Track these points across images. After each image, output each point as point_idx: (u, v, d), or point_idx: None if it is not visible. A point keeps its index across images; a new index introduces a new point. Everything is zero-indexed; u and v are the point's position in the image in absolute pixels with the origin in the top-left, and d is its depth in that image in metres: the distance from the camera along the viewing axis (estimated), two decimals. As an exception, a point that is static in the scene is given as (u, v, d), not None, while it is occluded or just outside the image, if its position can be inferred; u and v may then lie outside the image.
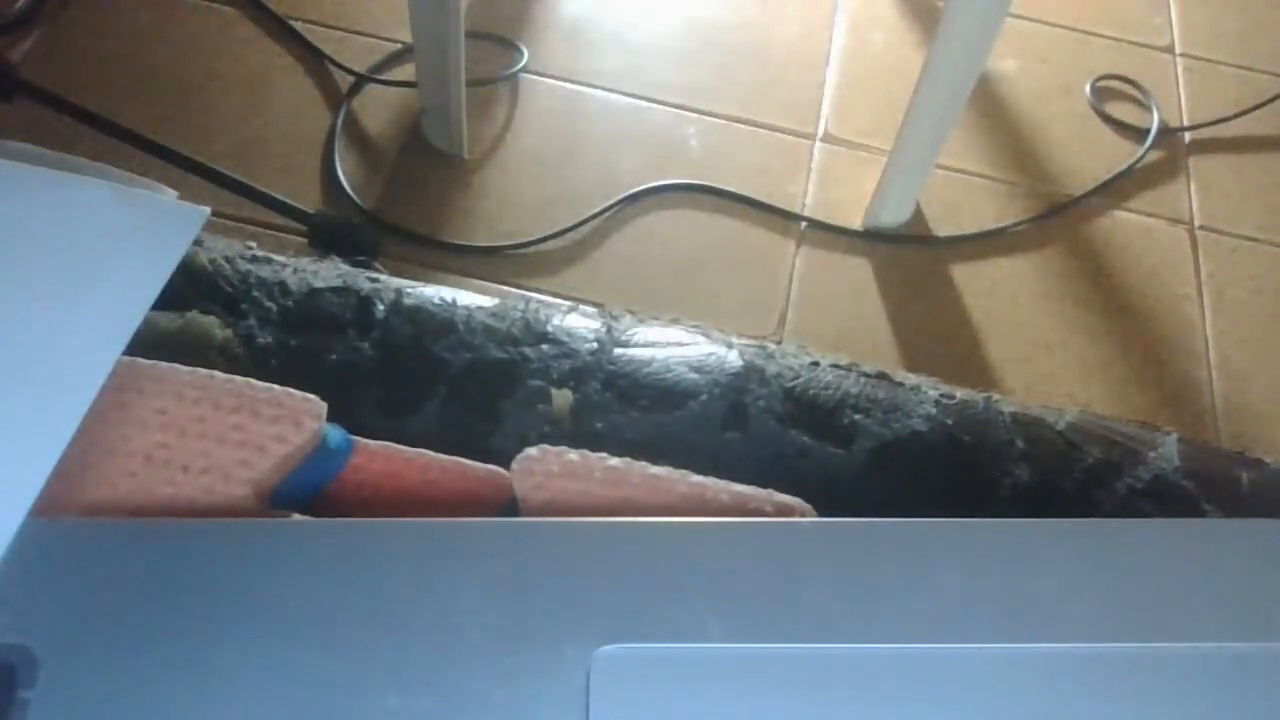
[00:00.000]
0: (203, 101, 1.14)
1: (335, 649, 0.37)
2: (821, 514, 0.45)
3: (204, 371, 0.47)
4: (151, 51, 1.18)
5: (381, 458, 0.47)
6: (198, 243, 0.56)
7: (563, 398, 0.52)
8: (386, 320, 0.54)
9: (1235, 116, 1.28)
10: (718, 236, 1.11)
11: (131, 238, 0.47)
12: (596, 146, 1.16)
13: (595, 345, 0.54)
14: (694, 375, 0.53)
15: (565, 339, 0.54)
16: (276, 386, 0.46)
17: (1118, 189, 1.21)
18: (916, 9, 1.37)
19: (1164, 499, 0.51)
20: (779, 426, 0.52)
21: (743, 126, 1.21)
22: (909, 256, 1.12)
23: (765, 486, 0.45)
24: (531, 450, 0.45)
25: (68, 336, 0.43)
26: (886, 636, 0.38)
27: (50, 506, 0.40)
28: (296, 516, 0.43)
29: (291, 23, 1.22)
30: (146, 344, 0.49)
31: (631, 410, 0.52)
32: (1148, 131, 1.25)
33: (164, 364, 0.47)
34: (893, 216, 1.13)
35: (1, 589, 0.37)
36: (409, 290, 0.56)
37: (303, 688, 0.36)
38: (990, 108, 1.28)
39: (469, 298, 0.56)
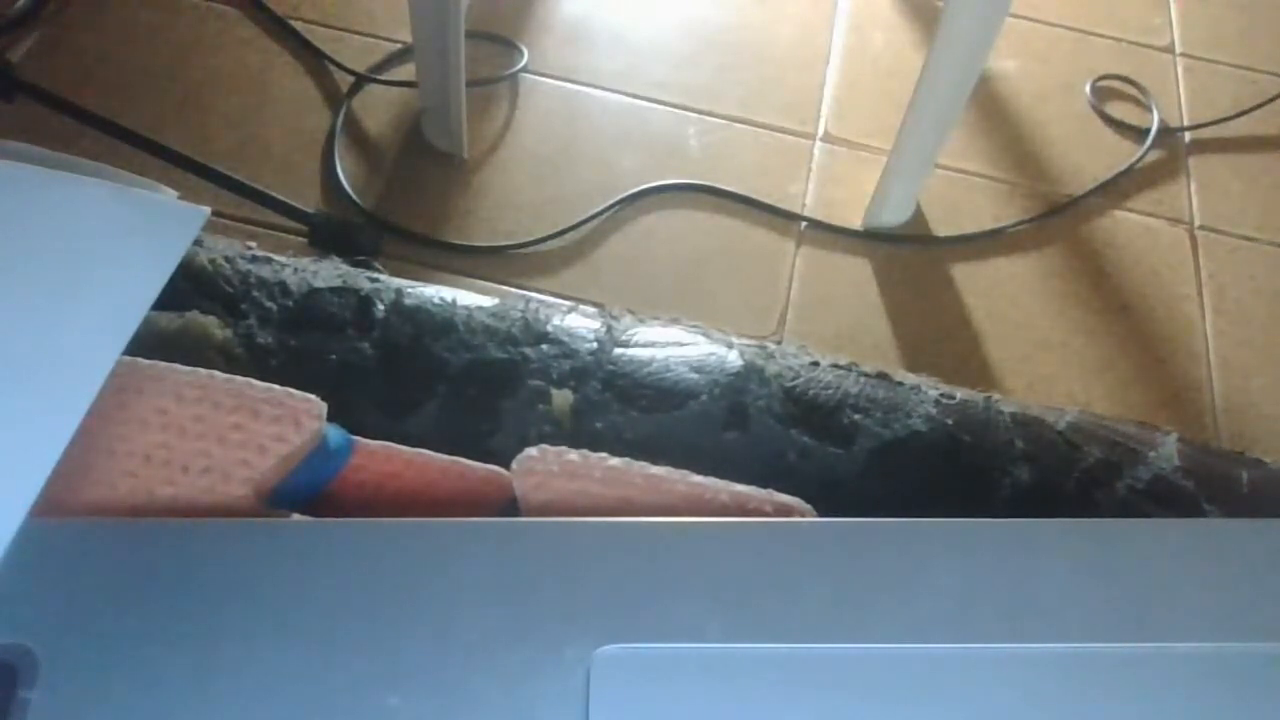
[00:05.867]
0: (203, 101, 1.14)
1: (335, 649, 0.37)
2: (821, 514, 0.45)
3: (204, 371, 0.47)
4: (151, 51, 1.18)
5: (381, 458, 0.47)
6: (198, 243, 0.56)
7: (563, 398, 0.52)
8: (386, 320, 0.54)
9: (1235, 116, 1.28)
10: (718, 236, 1.11)
11: (131, 238, 0.47)
12: (596, 146, 1.16)
13: (595, 345, 0.54)
14: (694, 375, 0.53)
15: (565, 339, 0.54)
16: (276, 386, 0.46)
17: (1118, 189, 1.21)
18: (916, 9, 1.37)
19: (1164, 499, 0.51)
20: (779, 426, 0.52)
21: (743, 126, 1.21)
22: (909, 256, 1.12)
23: (765, 486, 0.45)
24: (531, 450, 0.45)
25: (68, 336, 0.43)
26: (886, 636, 0.38)
27: (50, 506, 0.40)
28: (296, 516, 0.43)
29: (291, 23, 1.22)
30: (146, 344, 0.49)
31: (631, 410, 0.52)
32: (1148, 131, 1.25)
33: (164, 364, 0.47)
34: (893, 216, 1.13)
35: (1, 589, 0.37)
36: (409, 290, 0.56)
37: (303, 687, 0.36)
38: (990, 108, 1.27)
39: (469, 298, 0.56)
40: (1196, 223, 1.19)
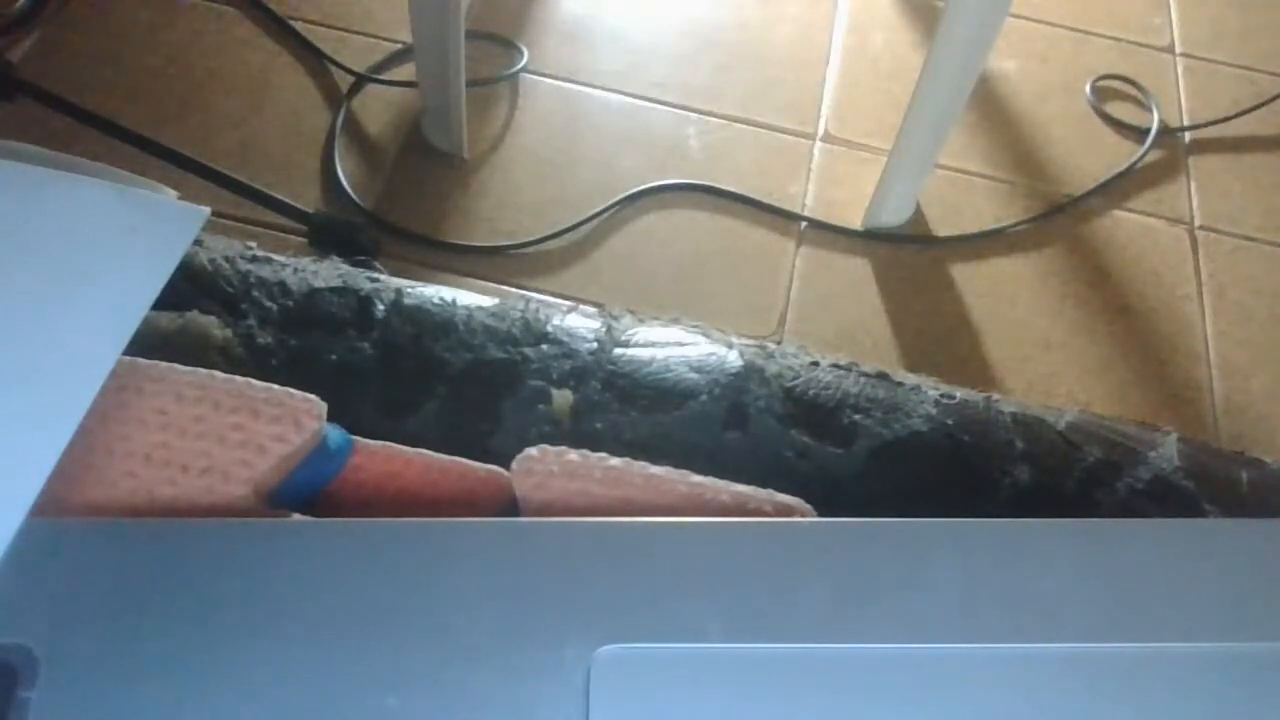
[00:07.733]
0: (203, 101, 1.14)
1: (335, 649, 0.37)
2: (821, 514, 0.45)
3: (204, 371, 0.47)
4: (151, 51, 1.18)
5: (381, 458, 0.47)
6: (198, 243, 0.56)
7: (563, 398, 0.52)
8: (386, 320, 0.54)
9: (1235, 116, 1.28)
10: (718, 236, 1.11)
11: (131, 238, 0.47)
12: (596, 146, 1.16)
13: (595, 345, 0.54)
14: (694, 375, 0.53)
15: (565, 339, 0.54)
16: (276, 386, 0.46)
17: (1118, 189, 1.21)
18: (916, 9, 1.37)
19: (1164, 499, 0.51)
20: (779, 426, 0.52)
21: (743, 126, 1.21)
22: (909, 256, 1.12)
23: (765, 486, 0.45)
24: (531, 450, 0.45)
25: (68, 336, 0.43)
26: (886, 636, 0.38)
27: (50, 506, 0.40)
28: (296, 516, 0.43)
29: (291, 23, 1.22)
30: (146, 344, 0.49)
31: (631, 410, 0.52)
32: (1148, 131, 1.25)
33: (164, 364, 0.47)
34: (893, 216, 1.13)
35: (1, 589, 0.37)
36: (409, 290, 0.56)
37: (303, 687, 0.36)
38: (990, 108, 1.27)
39: (469, 298, 0.56)
40: (1196, 223, 1.19)
